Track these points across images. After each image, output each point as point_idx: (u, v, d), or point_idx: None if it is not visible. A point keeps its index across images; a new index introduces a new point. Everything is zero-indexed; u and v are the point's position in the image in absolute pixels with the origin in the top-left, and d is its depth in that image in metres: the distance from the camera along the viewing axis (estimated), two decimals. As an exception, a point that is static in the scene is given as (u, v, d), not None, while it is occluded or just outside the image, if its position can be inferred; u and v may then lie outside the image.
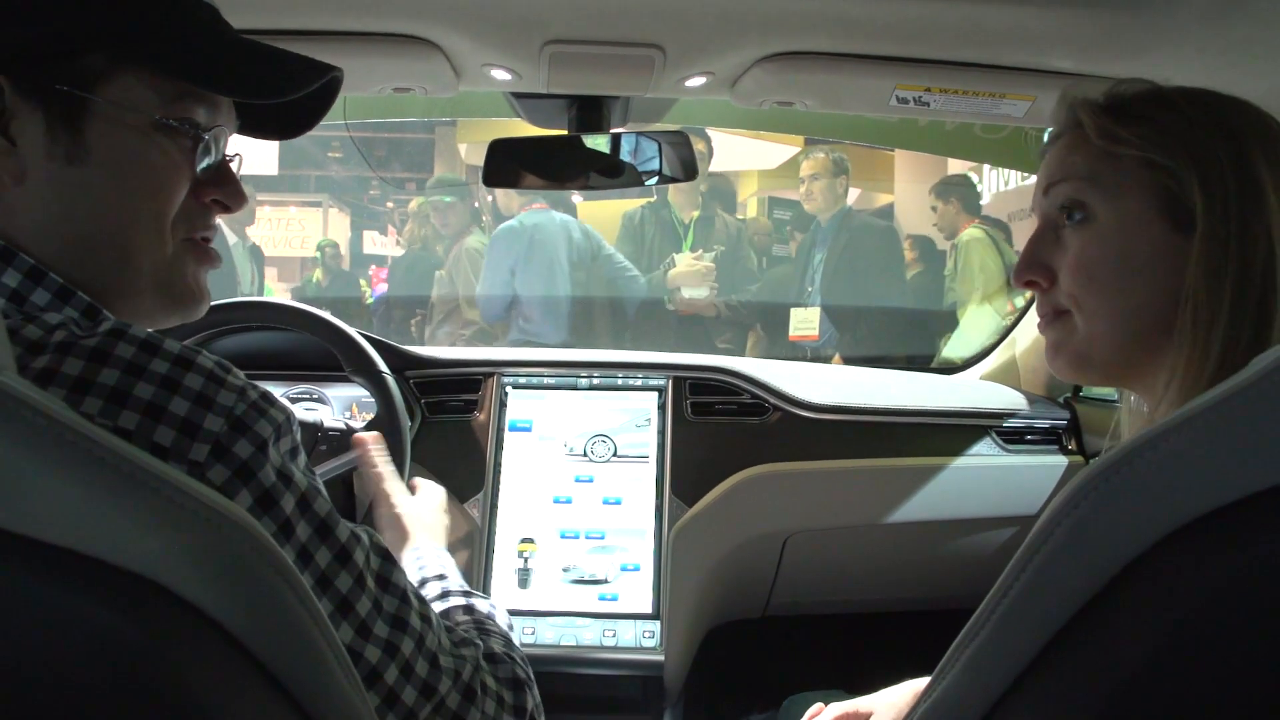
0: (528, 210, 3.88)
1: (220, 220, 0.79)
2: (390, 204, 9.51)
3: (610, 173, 1.45)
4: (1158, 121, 0.78)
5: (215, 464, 0.59)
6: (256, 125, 0.81)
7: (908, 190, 7.23)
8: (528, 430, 1.70)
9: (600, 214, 5.78)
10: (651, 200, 4.21)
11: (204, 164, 0.73)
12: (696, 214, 4.13)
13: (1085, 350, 0.82)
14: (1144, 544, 0.48)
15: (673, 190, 4.00)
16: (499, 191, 4.04)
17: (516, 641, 0.92)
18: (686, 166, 1.48)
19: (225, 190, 0.76)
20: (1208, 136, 0.76)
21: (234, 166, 0.78)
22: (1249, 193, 0.73)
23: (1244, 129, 0.76)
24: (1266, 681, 0.44)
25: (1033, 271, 0.84)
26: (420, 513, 1.18)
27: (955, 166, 6.76)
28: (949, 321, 4.19)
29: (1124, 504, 0.48)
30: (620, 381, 1.73)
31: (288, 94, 0.72)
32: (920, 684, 1.14)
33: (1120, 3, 1.01)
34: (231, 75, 0.72)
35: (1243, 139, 0.75)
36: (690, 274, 4.00)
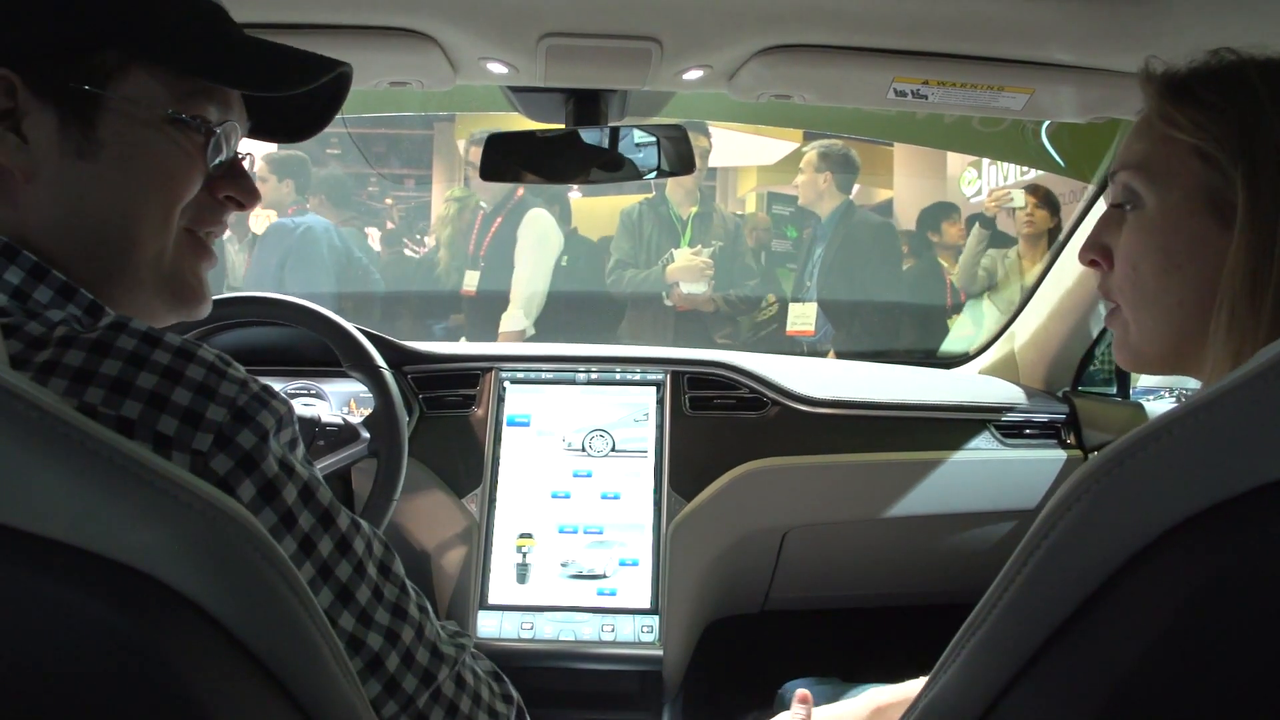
0: (294, 210, 4.11)
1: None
2: (389, 200, 9.51)
3: (608, 167, 1.45)
4: (1216, 106, 0.73)
5: (218, 454, 0.60)
6: (266, 128, 0.81)
7: (907, 185, 7.24)
8: (526, 425, 1.70)
9: (598, 207, 5.79)
10: (649, 196, 4.21)
11: (216, 160, 0.74)
12: (695, 209, 4.13)
13: (1138, 346, 0.80)
14: (1145, 538, 0.48)
15: (670, 185, 4.01)
16: (269, 190, 4.20)
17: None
18: (684, 160, 1.47)
19: (238, 186, 0.76)
20: (1269, 124, 0.70)
21: (245, 165, 0.79)
22: None
23: None
24: (1268, 674, 0.43)
25: (1092, 251, 0.83)
26: None
27: (954, 161, 6.78)
28: (941, 316, 4.21)
29: (1125, 498, 0.48)
30: (618, 376, 1.73)
31: (297, 87, 0.73)
32: (881, 691, 1.14)
33: None
34: (242, 70, 0.72)
35: None
36: (689, 269, 4.00)
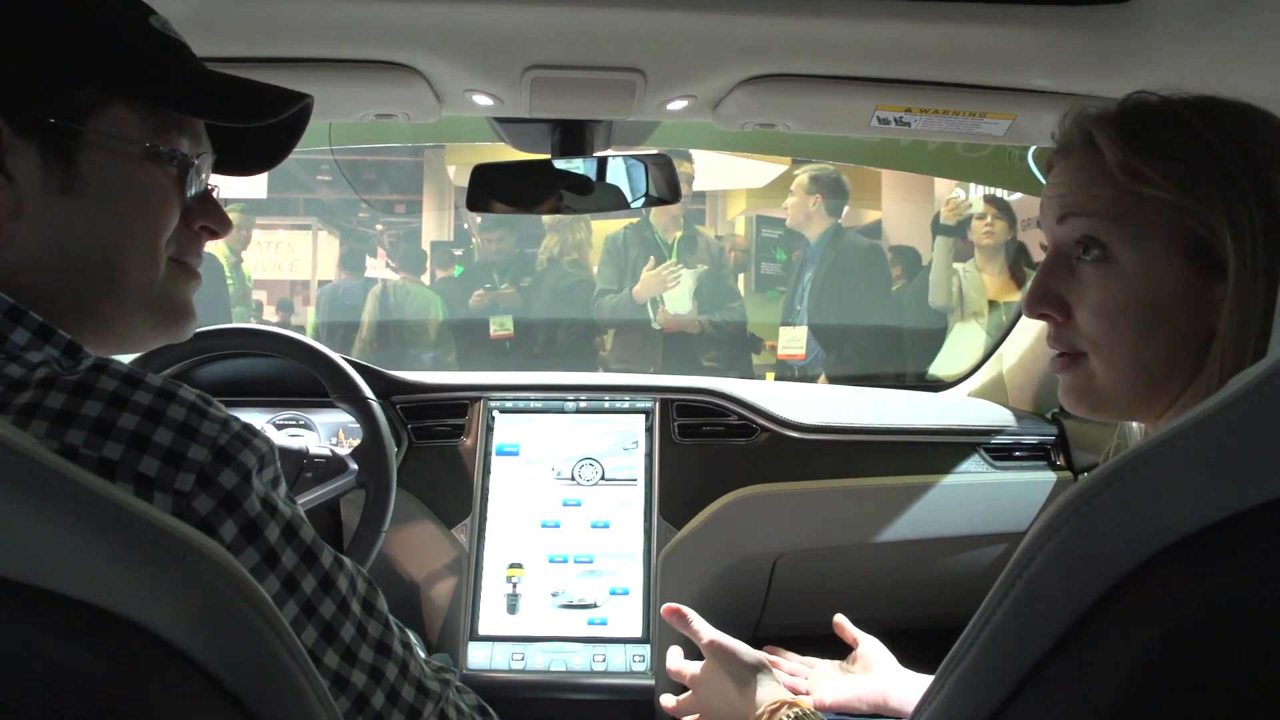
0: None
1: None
2: (379, 226, 9.54)
3: (595, 196, 1.46)
4: (1185, 160, 0.73)
5: (200, 493, 0.60)
6: (229, 163, 0.83)
7: (895, 208, 7.28)
8: (515, 454, 1.69)
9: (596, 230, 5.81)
10: (634, 222, 4.25)
11: (192, 192, 0.76)
12: (679, 234, 4.16)
13: (1105, 395, 0.79)
14: (1128, 565, 0.48)
15: (655, 211, 4.04)
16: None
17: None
18: (671, 188, 1.48)
19: (212, 216, 0.78)
20: (1233, 172, 0.72)
21: (215, 196, 0.81)
22: (1272, 229, 0.70)
23: (1258, 148, 0.73)
24: (1251, 699, 0.43)
25: (1046, 305, 0.81)
26: None
27: (941, 185, 6.83)
28: (934, 339, 4.20)
29: (1107, 526, 0.48)
30: (607, 404, 1.73)
31: (269, 117, 0.75)
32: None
33: (1096, 23, 1.01)
34: (217, 102, 0.75)
35: (1262, 166, 0.72)
36: (654, 281, 4.01)
